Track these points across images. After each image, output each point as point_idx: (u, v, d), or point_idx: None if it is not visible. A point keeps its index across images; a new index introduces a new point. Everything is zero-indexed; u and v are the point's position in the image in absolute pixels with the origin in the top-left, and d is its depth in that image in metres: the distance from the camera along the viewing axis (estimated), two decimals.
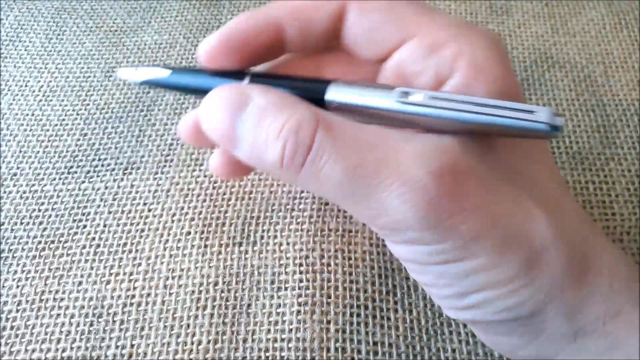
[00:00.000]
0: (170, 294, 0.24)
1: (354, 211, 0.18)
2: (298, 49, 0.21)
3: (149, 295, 0.24)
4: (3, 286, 0.25)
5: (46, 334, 0.23)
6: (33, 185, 0.28)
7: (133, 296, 0.24)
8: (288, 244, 0.26)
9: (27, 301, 0.24)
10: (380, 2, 0.19)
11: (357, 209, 0.17)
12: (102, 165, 0.29)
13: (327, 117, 0.17)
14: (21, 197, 0.28)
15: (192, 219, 0.27)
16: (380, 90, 0.18)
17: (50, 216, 0.27)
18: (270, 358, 0.22)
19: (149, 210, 0.27)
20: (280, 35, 0.20)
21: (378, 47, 0.20)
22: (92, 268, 0.25)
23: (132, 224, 0.27)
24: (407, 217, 0.16)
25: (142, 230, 0.26)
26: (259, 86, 0.18)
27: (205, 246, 0.26)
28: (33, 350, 0.23)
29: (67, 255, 0.26)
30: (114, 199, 0.28)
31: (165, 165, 0.29)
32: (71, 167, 0.29)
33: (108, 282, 0.25)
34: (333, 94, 0.18)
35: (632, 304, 0.17)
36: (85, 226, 0.27)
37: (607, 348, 0.17)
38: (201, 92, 0.20)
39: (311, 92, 0.19)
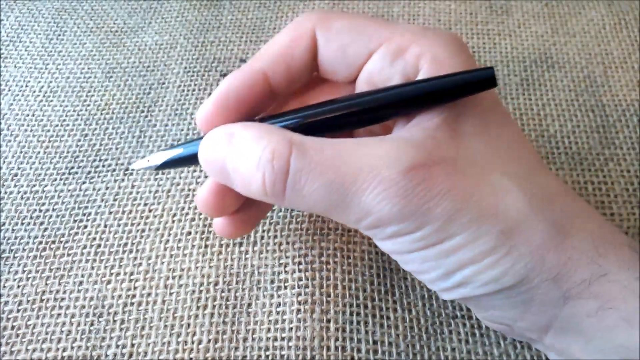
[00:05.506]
0: (171, 294, 0.24)
1: (341, 219, 0.19)
2: (285, 91, 0.22)
3: (149, 294, 0.24)
4: (4, 286, 0.25)
5: (47, 333, 0.23)
6: (34, 185, 0.28)
7: (134, 296, 0.24)
8: (288, 243, 0.26)
9: (28, 301, 0.24)
10: (343, 22, 0.21)
11: (343, 216, 0.18)
12: (103, 166, 0.29)
13: (300, 141, 0.18)
14: (22, 197, 0.28)
15: (193, 219, 0.27)
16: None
17: (51, 216, 0.27)
18: (270, 357, 0.22)
19: (150, 211, 0.27)
20: (268, 85, 0.21)
21: (350, 65, 0.21)
22: (92, 268, 0.25)
23: (132, 224, 0.27)
24: (387, 213, 0.17)
25: (143, 231, 0.26)
26: (241, 123, 0.20)
27: (206, 246, 0.26)
28: (34, 350, 0.23)
29: (68, 255, 0.26)
30: (115, 199, 0.28)
31: None
32: (72, 167, 0.29)
33: (109, 282, 0.25)
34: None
35: (618, 265, 0.17)
36: (86, 226, 0.27)
37: (597, 308, 0.17)
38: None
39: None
